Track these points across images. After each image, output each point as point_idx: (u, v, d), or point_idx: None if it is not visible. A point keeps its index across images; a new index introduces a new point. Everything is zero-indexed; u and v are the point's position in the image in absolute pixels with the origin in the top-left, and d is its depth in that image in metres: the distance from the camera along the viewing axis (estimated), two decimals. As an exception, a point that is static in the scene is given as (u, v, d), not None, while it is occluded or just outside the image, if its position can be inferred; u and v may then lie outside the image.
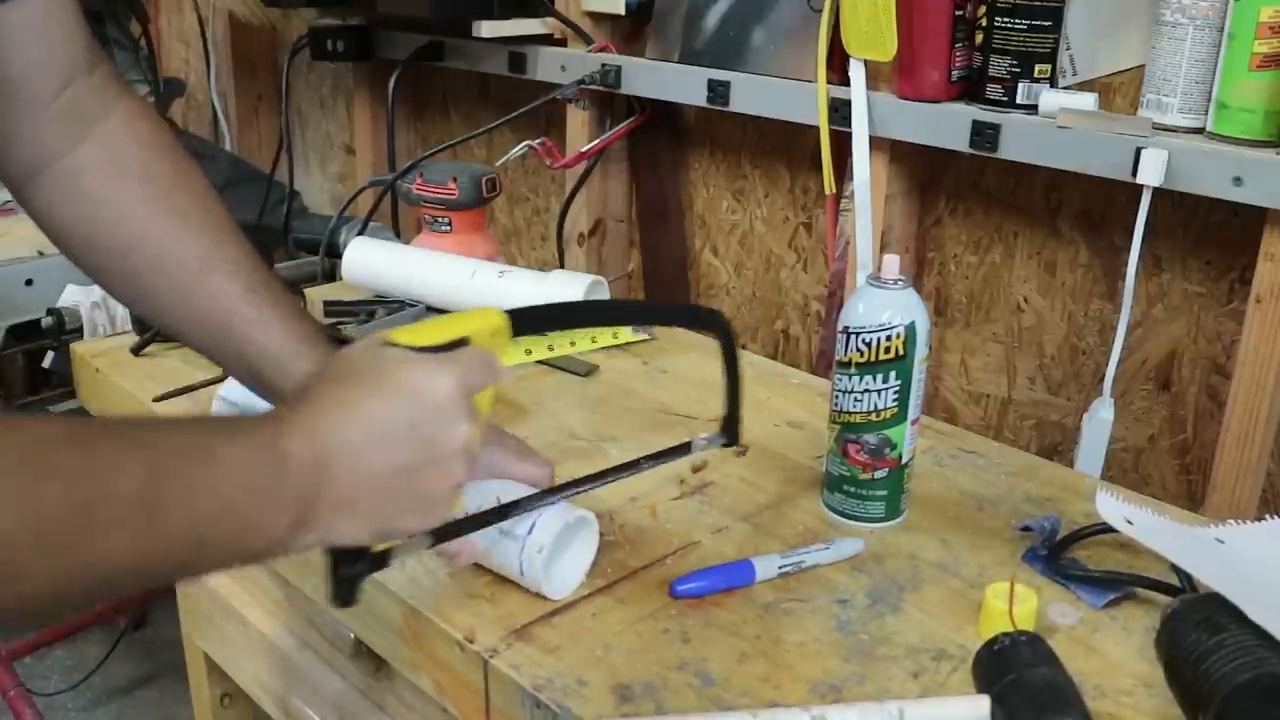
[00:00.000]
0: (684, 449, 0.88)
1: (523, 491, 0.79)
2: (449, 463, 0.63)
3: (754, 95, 1.37)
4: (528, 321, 0.72)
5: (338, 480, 0.60)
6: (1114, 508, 0.83)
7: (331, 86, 2.19)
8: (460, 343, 0.66)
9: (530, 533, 0.77)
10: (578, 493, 0.81)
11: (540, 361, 1.21)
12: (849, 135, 1.28)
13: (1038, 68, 1.16)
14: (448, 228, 1.45)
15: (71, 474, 0.50)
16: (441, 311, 1.34)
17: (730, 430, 0.88)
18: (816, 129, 1.31)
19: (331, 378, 0.63)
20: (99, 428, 0.56)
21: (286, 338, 0.78)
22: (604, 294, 1.29)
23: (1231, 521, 0.84)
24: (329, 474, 0.60)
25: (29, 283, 1.75)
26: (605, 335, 1.26)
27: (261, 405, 0.92)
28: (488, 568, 0.81)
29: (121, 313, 1.67)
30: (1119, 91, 1.19)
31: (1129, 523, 0.82)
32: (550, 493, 0.80)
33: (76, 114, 0.79)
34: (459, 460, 0.64)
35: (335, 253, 1.58)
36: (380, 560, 0.66)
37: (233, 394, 0.99)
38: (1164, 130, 1.09)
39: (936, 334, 1.39)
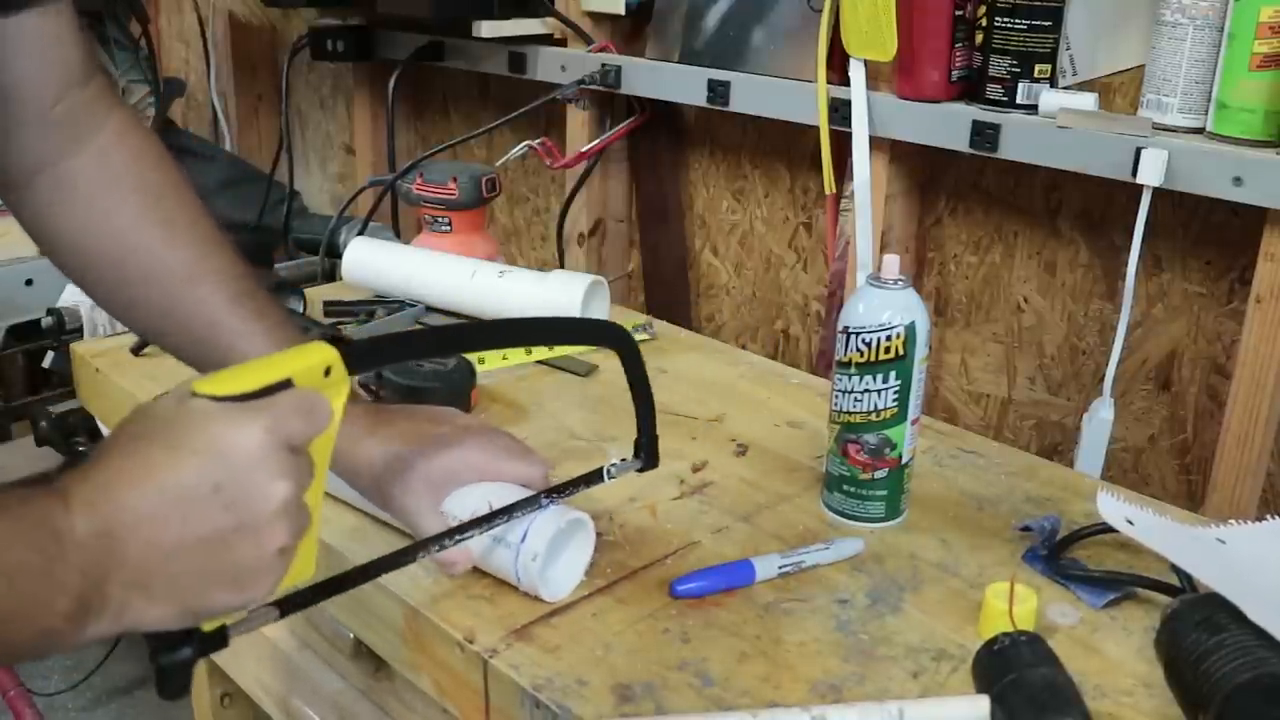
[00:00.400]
0: (596, 476, 0.82)
1: (515, 494, 0.78)
2: (264, 527, 0.55)
3: (754, 95, 1.37)
4: (364, 355, 0.63)
5: (129, 557, 0.53)
6: (1115, 508, 0.83)
7: (331, 86, 2.19)
8: (280, 386, 0.57)
9: (524, 539, 0.76)
10: (504, 522, 0.77)
11: (540, 361, 1.21)
12: (849, 135, 1.28)
13: (1038, 68, 1.16)
14: (448, 228, 1.45)
15: None
16: (442, 312, 1.34)
17: (648, 452, 0.83)
18: (816, 129, 1.31)
19: (125, 436, 0.56)
20: None
21: (271, 348, 0.77)
22: (604, 294, 1.29)
23: (1232, 522, 0.84)
24: (120, 550, 0.52)
25: (29, 283, 1.75)
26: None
27: None
28: (486, 572, 0.81)
29: (121, 313, 1.67)
30: (1119, 91, 1.19)
31: (1130, 523, 0.82)
32: (529, 502, 0.78)
33: (70, 125, 0.79)
34: (276, 523, 0.56)
35: (335, 253, 1.59)
36: (213, 639, 0.58)
37: None
38: (1164, 130, 1.09)
39: (936, 334, 1.39)
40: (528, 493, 0.79)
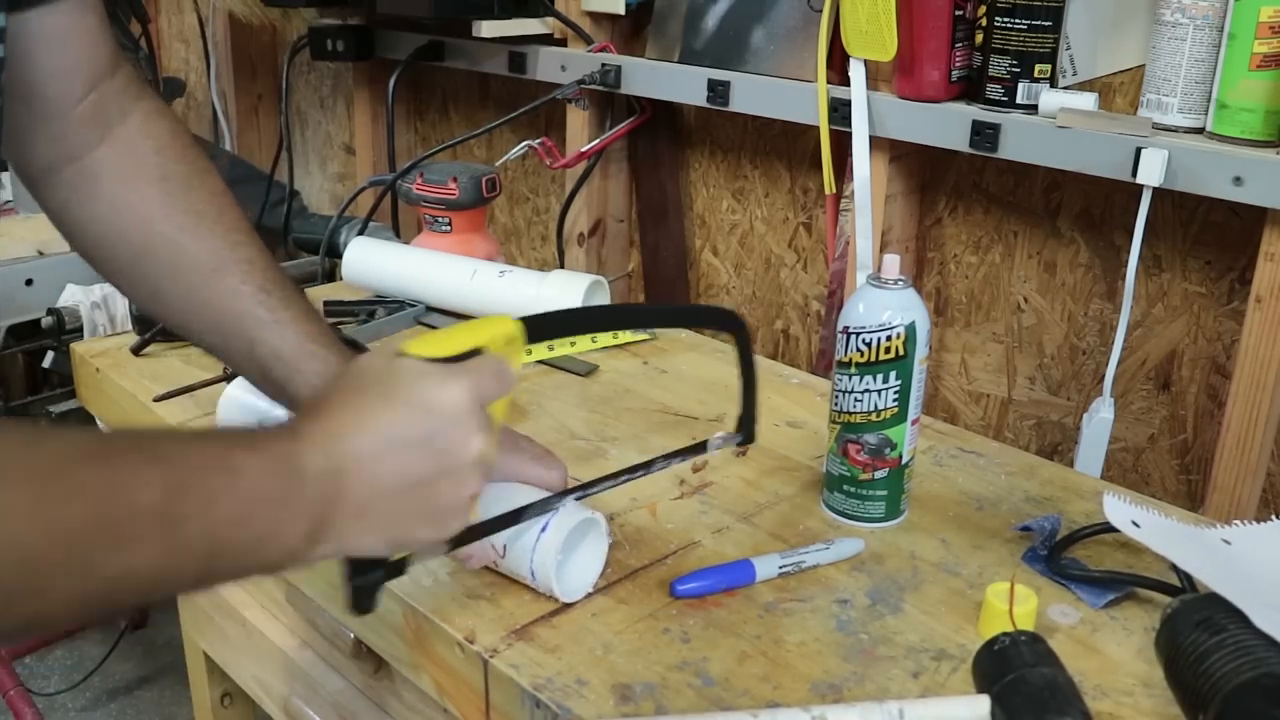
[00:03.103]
0: (700, 448, 0.88)
1: (536, 494, 0.79)
2: (463, 474, 0.63)
3: (754, 95, 1.37)
4: (540, 328, 0.71)
5: (353, 491, 0.60)
6: (1121, 510, 0.83)
7: (331, 86, 2.19)
8: (473, 353, 0.65)
9: (539, 537, 0.77)
10: (587, 495, 0.81)
11: (540, 361, 1.21)
12: (849, 135, 1.28)
13: (1038, 68, 1.16)
14: (448, 228, 1.45)
15: (92, 490, 0.51)
16: (442, 312, 1.34)
17: (746, 429, 0.88)
18: (816, 129, 1.31)
19: (346, 389, 0.63)
20: (118, 442, 0.56)
21: (298, 338, 0.79)
22: (604, 294, 1.29)
23: (1237, 522, 0.84)
24: (345, 485, 0.60)
25: (29, 283, 1.75)
26: (605, 335, 1.26)
27: (267, 405, 0.92)
28: (497, 570, 0.81)
29: (121, 313, 1.67)
30: (1119, 91, 1.19)
31: (1136, 525, 0.82)
32: (561, 495, 0.79)
33: (98, 117, 0.80)
34: (473, 471, 0.64)
35: (335, 253, 1.58)
36: (397, 568, 0.66)
37: (243, 389, 0.99)
38: (1164, 130, 1.09)
39: (936, 334, 1.39)
40: (544, 494, 0.80)
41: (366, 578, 0.65)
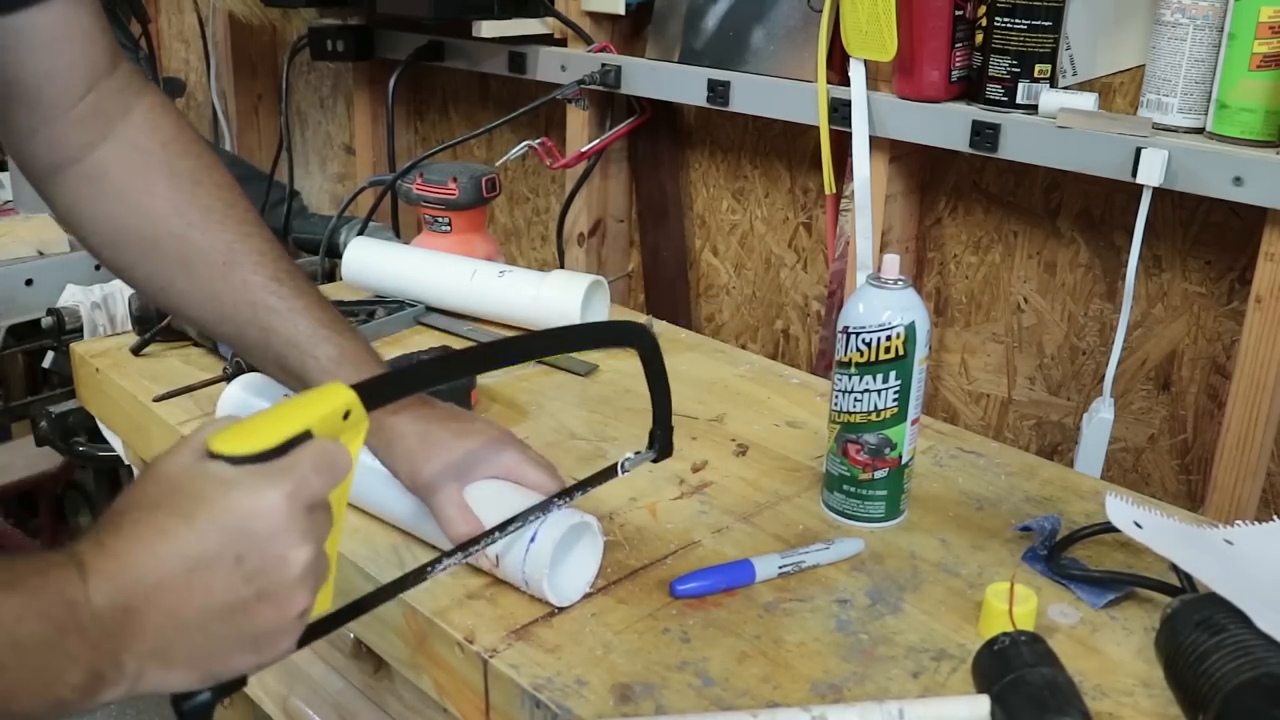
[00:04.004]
0: (611, 472, 0.83)
1: (530, 498, 0.79)
2: (285, 595, 0.55)
3: (754, 95, 1.37)
4: (380, 392, 0.62)
5: (147, 628, 0.52)
6: (1123, 511, 0.83)
7: (331, 86, 2.19)
8: (299, 439, 0.56)
9: (531, 541, 0.77)
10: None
11: (540, 361, 1.21)
12: (849, 135, 1.28)
13: (1038, 68, 1.16)
14: (448, 228, 1.45)
15: None
16: (442, 312, 1.34)
17: (662, 443, 0.84)
18: (816, 129, 1.31)
19: (141, 504, 0.55)
20: None
21: (311, 325, 0.79)
22: (604, 294, 1.29)
23: (1239, 523, 0.84)
24: (137, 622, 0.52)
25: (29, 283, 1.75)
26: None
27: (272, 399, 0.92)
28: (487, 572, 0.81)
29: (121, 313, 1.68)
30: (1119, 91, 1.19)
31: (1138, 526, 0.82)
32: (548, 502, 0.79)
33: (99, 115, 0.79)
34: (298, 589, 0.56)
35: (335, 253, 1.58)
36: (232, 684, 0.58)
37: (243, 389, 0.99)
38: (1164, 130, 1.09)
39: (936, 334, 1.39)
40: (540, 498, 0.80)
41: (194, 702, 0.57)
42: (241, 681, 0.58)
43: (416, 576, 0.72)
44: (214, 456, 0.55)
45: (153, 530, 0.53)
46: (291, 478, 0.55)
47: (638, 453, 0.84)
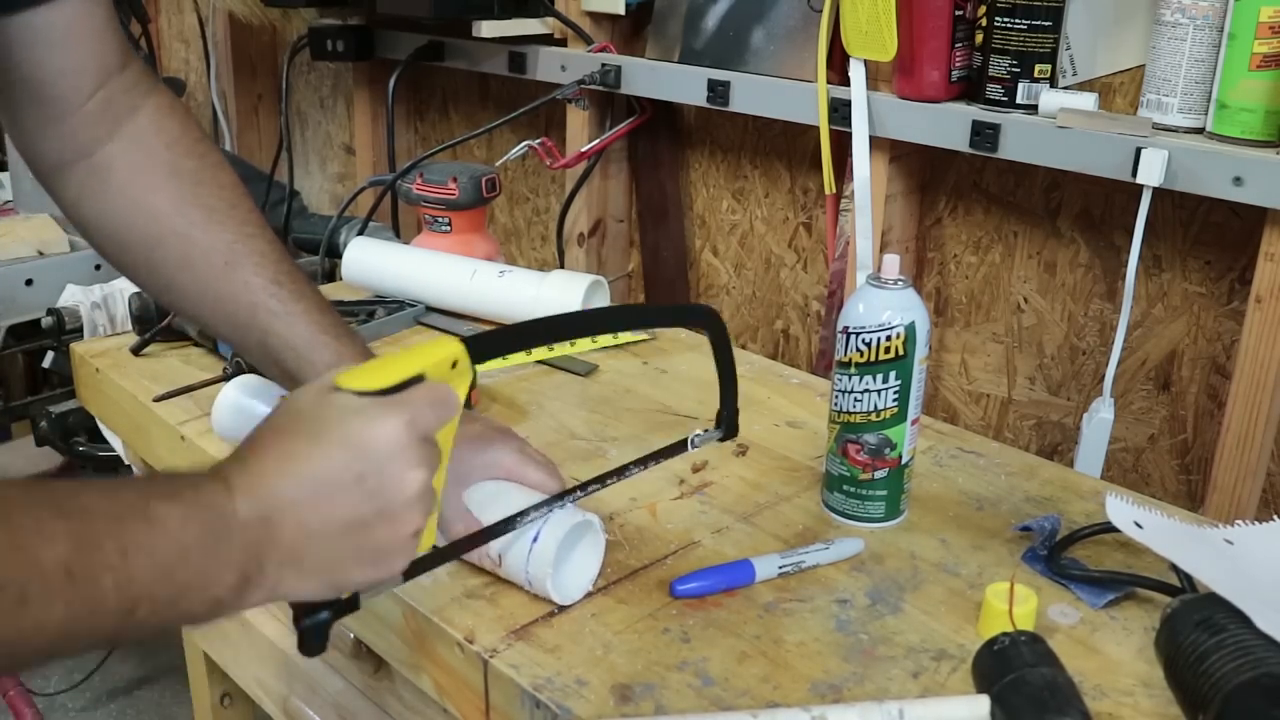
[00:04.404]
0: (681, 446, 0.87)
1: (529, 497, 0.79)
2: (401, 514, 0.61)
3: (754, 95, 1.37)
4: (485, 347, 0.68)
5: (284, 538, 0.58)
6: (1123, 511, 0.83)
7: (331, 86, 2.19)
8: (413, 381, 0.62)
9: (535, 540, 0.77)
10: (577, 499, 0.81)
11: (540, 361, 1.21)
12: (849, 135, 1.28)
13: (1038, 68, 1.16)
14: (448, 228, 1.45)
15: None
16: (442, 312, 1.34)
17: (728, 424, 0.88)
18: (816, 129, 1.31)
19: (276, 429, 0.61)
20: (20, 496, 0.53)
21: (310, 330, 0.79)
22: (604, 294, 1.29)
23: (1240, 522, 0.84)
24: (275, 532, 0.58)
25: (29, 283, 1.75)
26: (605, 335, 1.26)
27: (270, 403, 0.92)
28: (495, 574, 0.81)
29: (121, 313, 1.68)
30: (1119, 91, 1.19)
31: (1138, 526, 0.82)
32: (553, 500, 0.79)
33: (108, 113, 0.80)
34: (413, 509, 0.61)
35: (335, 253, 1.58)
36: (347, 605, 0.64)
37: (242, 389, 0.99)
38: (1164, 130, 1.09)
39: (936, 334, 1.39)
40: (543, 497, 0.80)
41: (314, 619, 0.63)
42: (354, 604, 0.64)
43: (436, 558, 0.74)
44: (339, 390, 0.61)
45: (286, 452, 0.59)
46: (409, 409, 0.60)
47: (706, 430, 0.88)
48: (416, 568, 0.68)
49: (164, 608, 0.55)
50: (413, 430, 0.60)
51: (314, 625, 0.63)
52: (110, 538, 0.52)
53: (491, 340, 0.70)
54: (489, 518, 0.77)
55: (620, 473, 0.84)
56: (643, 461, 0.85)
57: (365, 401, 0.60)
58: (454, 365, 0.65)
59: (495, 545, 0.78)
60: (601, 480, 0.83)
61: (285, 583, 0.59)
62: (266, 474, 0.58)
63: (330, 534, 0.59)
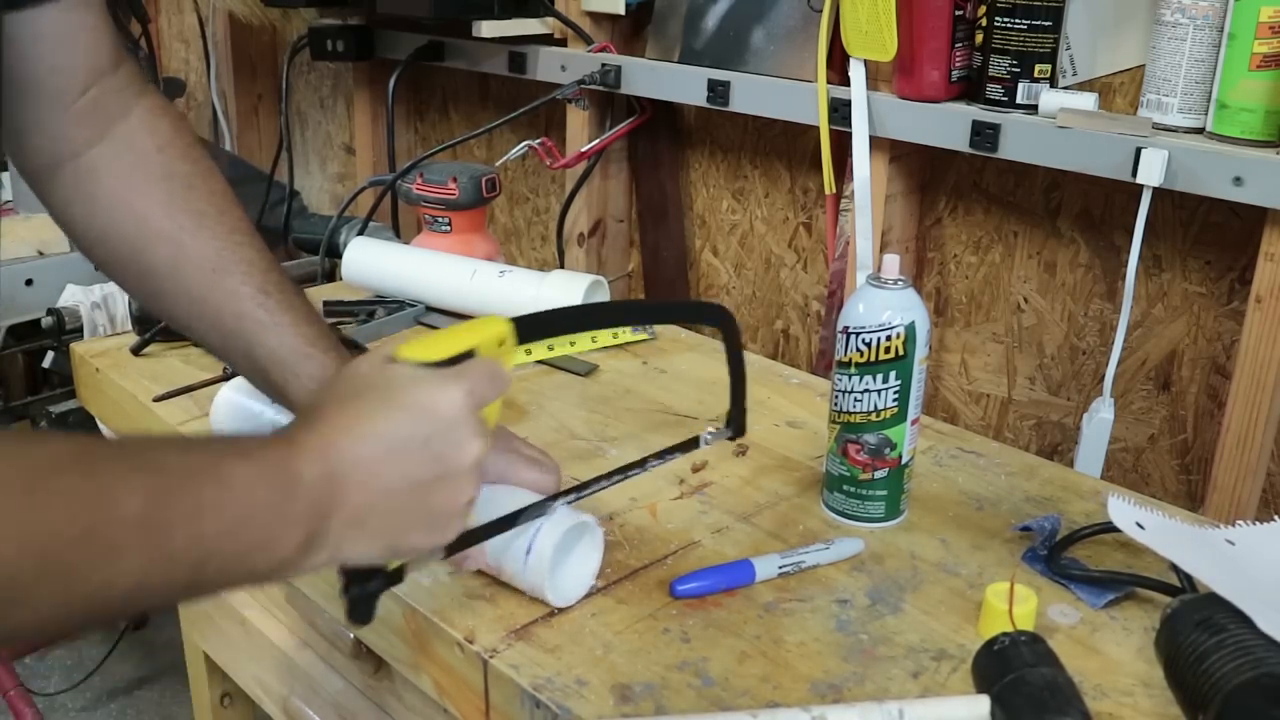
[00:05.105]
0: (693, 443, 0.87)
1: (529, 498, 0.79)
2: (460, 479, 0.63)
3: (754, 95, 1.37)
4: (532, 328, 0.71)
5: (350, 499, 0.59)
6: (1125, 512, 0.83)
7: (331, 86, 2.19)
8: (466, 355, 0.65)
9: (531, 544, 0.77)
10: (582, 496, 0.81)
11: (540, 361, 1.21)
12: (849, 135, 1.28)
13: (1038, 68, 1.16)
14: (448, 228, 1.45)
15: (73, 498, 0.49)
16: (442, 312, 1.34)
17: (737, 423, 0.88)
18: (816, 129, 1.31)
19: (341, 395, 0.62)
20: (102, 449, 0.55)
21: (296, 341, 0.79)
22: (604, 294, 1.29)
23: (1241, 523, 0.84)
24: (342, 492, 0.59)
25: (29, 283, 1.75)
26: (605, 335, 1.26)
27: (261, 407, 0.92)
28: (492, 575, 0.81)
29: (121, 313, 1.68)
30: (1119, 91, 1.19)
31: (1140, 527, 0.82)
32: (555, 498, 0.79)
33: (98, 113, 0.79)
34: (470, 476, 0.63)
35: (335, 253, 1.59)
36: (394, 576, 0.66)
37: (242, 389, 0.99)
38: (1164, 130, 1.09)
39: (936, 334, 1.39)
40: (538, 497, 0.79)
41: (364, 587, 0.64)
42: (399, 576, 0.66)
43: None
44: (399, 361, 0.63)
45: (352, 415, 0.61)
46: (468, 379, 0.63)
47: (717, 429, 0.88)
48: (461, 542, 0.70)
49: (233, 564, 0.56)
50: (472, 400, 0.63)
51: (363, 594, 0.65)
52: (183, 494, 0.53)
53: (538, 321, 0.72)
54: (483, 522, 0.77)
55: (629, 469, 0.84)
56: (657, 457, 0.85)
57: (427, 371, 0.62)
58: (501, 344, 0.68)
59: (491, 552, 0.77)
60: (607, 478, 0.83)
61: (348, 542, 0.60)
62: (334, 435, 0.59)
63: (394, 494, 0.61)
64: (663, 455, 0.86)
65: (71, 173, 0.80)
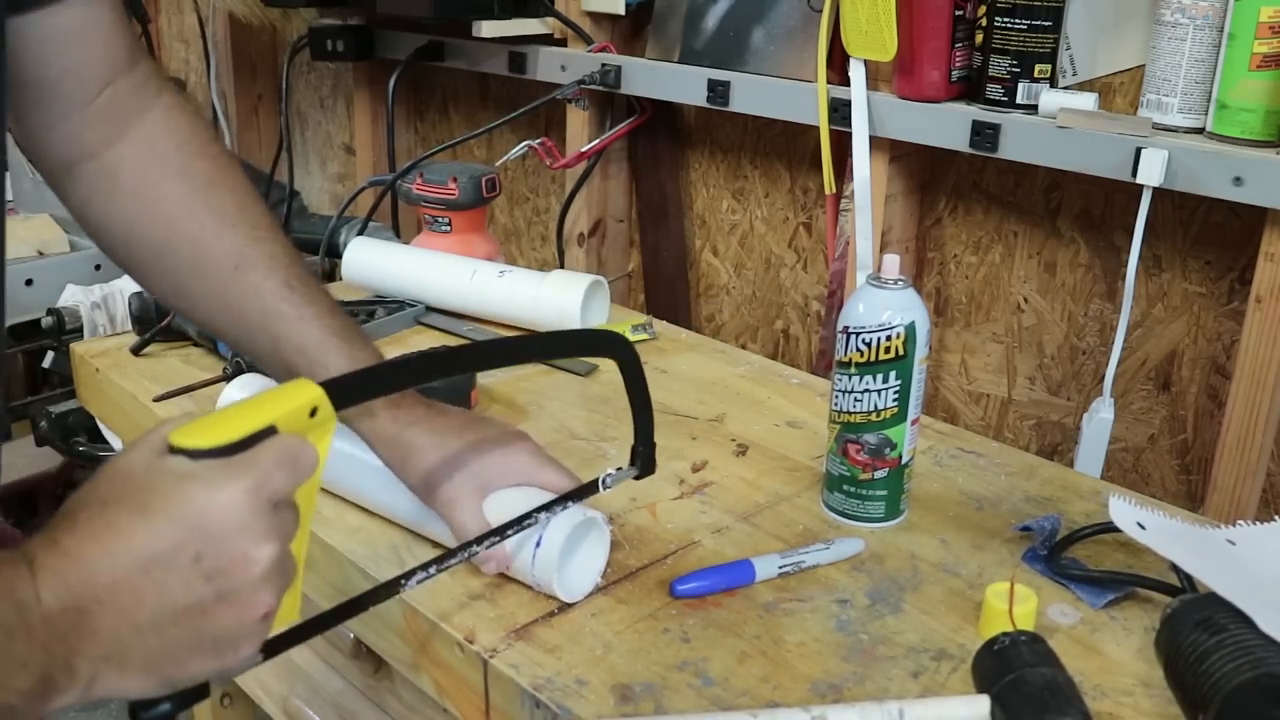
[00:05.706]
0: (592, 488, 0.81)
1: (534, 498, 0.79)
2: (246, 596, 0.52)
3: (754, 95, 1.37)
4: (349, 391, 0.59)
5: (101, 630, 0.50)
6: (1126, 512, 0.83)
7: (331, 86, 2.19)
8: (262, 434, 0.54)
9: (539, 541, 0.77)
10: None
11: (540, 361, 1.21)
12: (849, 135, 1.28)
13: (1038, 68, 1.16)
14: (448, 228, 1.45)
15: None
16: (442, 312, 1.34)
17: (644, 460, 0.83)
18: (816, 129, 1.31)
19: (98, 499, 0.52)
20: None
21: (322, 333, 0.78)
22: (604, 294, 1.29)
23: (1242, 523, 0.84)
24: (89, 623, 0.49)
25: (29, 283, 1.75)
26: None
27: None
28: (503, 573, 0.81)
29: (121, 313, 1.68)
30: (1119, 91, 1.19)
31: (1141, 527, 0.82)
32: (550, 505, 0.79)
33: (116, 112, 0.79)
34: (259, 590, 0.53)
35: (335, 253, 1.59)
36: (193, 693, 0.56)
37: (242, 389, 0.99)
38: (1164, 130, 1.09)
39: (936, 334, 1.39)
40: (548, 497, 0.79)
41: (152, 711, 0.54)
42: (204, 692, 0.56)
43: (390, 588, 0.70)
44: (174, 451, 0.52)
45: (106, 527, 0.51)
46: (253, 473, 0.52)
47: (620, 469, 0.82)
48: (286, 640, 0.60)
49: None
50: (259, 497, 0.52)
51: (154, 717, 0.55)
52: None
53: (355, 382, 0.61)
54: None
55: (523, 521, 0.76)
56: (546, 509, 0.77)
57: (201, 466, 0.52)
58: (313, 413, 0.56)
59: (511, 546, 0.77)
60: (502, 531, 0.76)
61: (105, 679, 0.51)
62: (81, 554, 0.50)
63: (160, 623, 0.51)
64: (559, 503, 0.78)
65: (91, 172, 0.79)
